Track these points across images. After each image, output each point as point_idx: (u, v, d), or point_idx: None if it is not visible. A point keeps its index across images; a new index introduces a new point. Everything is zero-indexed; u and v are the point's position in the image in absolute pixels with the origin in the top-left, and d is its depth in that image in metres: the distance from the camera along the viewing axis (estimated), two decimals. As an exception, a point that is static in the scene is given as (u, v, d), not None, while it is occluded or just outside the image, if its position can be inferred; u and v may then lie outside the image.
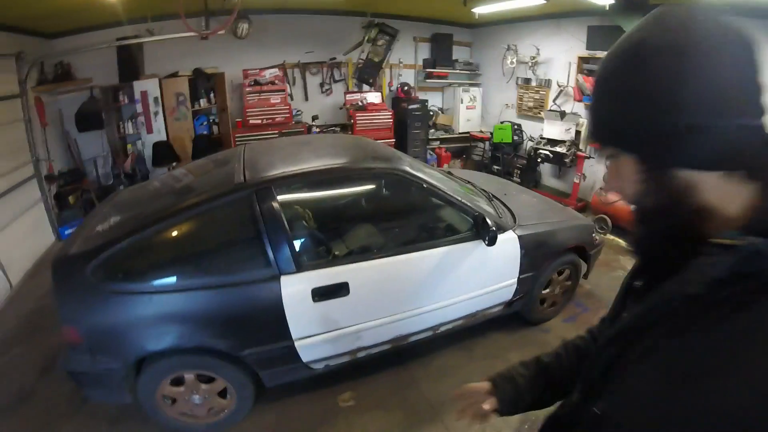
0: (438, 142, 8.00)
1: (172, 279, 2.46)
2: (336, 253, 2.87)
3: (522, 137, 7.26)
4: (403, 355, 3.37)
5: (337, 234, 3.12)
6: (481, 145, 7.97)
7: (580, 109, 6.31)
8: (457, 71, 8.24)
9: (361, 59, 7.30)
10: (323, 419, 2.90)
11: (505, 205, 3.66)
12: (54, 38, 6.00)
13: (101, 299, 2.36)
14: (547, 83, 6.83)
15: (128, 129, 6.65)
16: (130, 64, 6.44)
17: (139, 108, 6.44)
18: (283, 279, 2.53)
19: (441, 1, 6.50)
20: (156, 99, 6.46)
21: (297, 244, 2.65)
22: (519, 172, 7.11)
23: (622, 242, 5.44)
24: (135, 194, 3.29)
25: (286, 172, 2.75)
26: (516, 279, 3.32)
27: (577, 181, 6.24)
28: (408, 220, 3.29)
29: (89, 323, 2.38)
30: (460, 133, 8.11)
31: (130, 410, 2.79)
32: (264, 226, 2.54)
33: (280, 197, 2.62)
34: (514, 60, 7.16)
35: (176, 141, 6.64)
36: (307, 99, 7.63)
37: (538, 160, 6.65)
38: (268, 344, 2.61)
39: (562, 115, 6.35)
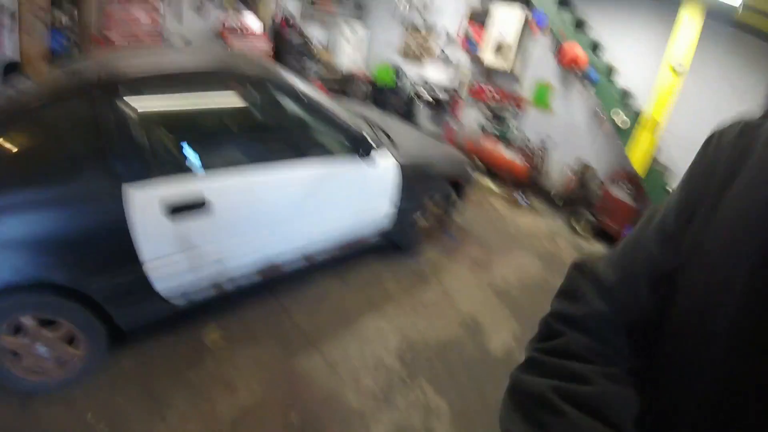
0: (318, 79, 7.63)
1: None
2: (194, 163, 2.49)
3: (403, 80, 7.31)
4: (273, 287, 3.19)
5: (197, 144, 2.65)
6: (363, 86, 7.82)
7: (465, 58, 6.53)
8: (343, 7, 7.91)
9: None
10: (190, 361, 2.58)
11: (386, 133, 3.58)
12: None
13: None
14: (434, 29, 6.90)
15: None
16: None
17: None
18: (127, 187, 2.12)
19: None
20: (14, 15, 5.08)
21: (146, 150, 2.22)
22: (398, 113, 7.16)
23: (492, 185, 5.86)
24: None
25: (136, 70, 2.33)
26: (396, 208, 3.32)
27: (453, 126, 6.49)
28: (280, 133, 2.96)
29: None
30: (342, 72, 7.84)
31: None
32: (106, 128, 2.11)
33: (129, 99, 2.21)
34: (406, 2, 7.12)
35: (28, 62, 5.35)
36: (182, 21, 6.63)
37: (416, 103, 6.75)
38: (114, 270, 2.21)
39: (447, 61, 6.55)
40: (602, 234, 4.96)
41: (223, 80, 2.67)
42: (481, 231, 4.64)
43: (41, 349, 2.18)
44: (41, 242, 1.99)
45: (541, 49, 5.61)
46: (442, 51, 6.71)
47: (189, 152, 2.56)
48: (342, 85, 7.84)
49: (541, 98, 5.67)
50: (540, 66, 5.63)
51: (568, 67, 5.05)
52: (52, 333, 2.19)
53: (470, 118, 6.53)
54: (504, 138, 5.89)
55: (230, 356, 2.65)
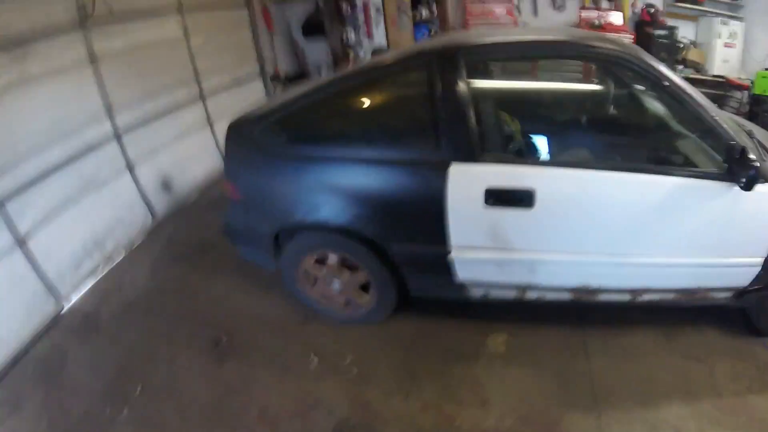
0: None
1: (333, 148, 2.31)
2: (528, 151, 2.30)
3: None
4: (583, 315, 2.71)
5: (535, 130, 2.48)
6: (738, 94, 6.15)
7: None
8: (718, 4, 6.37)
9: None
10: (463, 355, 2.47)
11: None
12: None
13: (262, 160, 2.34)
14: None
15: (351, 38, 6.80)
16: None
17: (361, 18, 6.57)
18: (453, 167, 2.07)
19: None
20: (378, 9, 6.48)
21: (479, 128, 2.11)
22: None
23: None
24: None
25: (476, 41, 2.25)
26: (763, 257, 2.27)
27: None
28: (635, 133, 2.46)
29: (248, 182, 2.42)
30: (713, 76, 6.34)
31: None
32: (440, 100, 2.09)
33: (469, 71, 2.13)
34: None
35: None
36: (536, 14, 6.75)
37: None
38: (420, 244, 2.26)
39: None
40: None
41: (573, 55, 2.33)
42: None
43: (336, 284, 2.47)
44: (363, 196, 2.21)
45: None
46: None
47: (525, 139, 2.40)
48: (712, 93, 6.42)
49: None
50: None
51: None
52: (350, 275, 2.43)
53: None
54: None
55: (503, 370, 2.41)
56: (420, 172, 2.13)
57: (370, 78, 2.40)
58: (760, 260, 2.31)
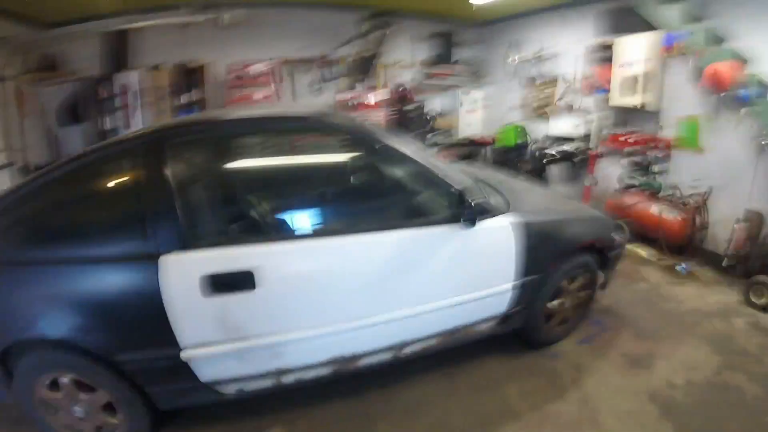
0: (437, 147, 7.28)
1: (37, 249, 1.97)
2: (242, 228, 2.17)
3: (527, 140, 6.60)
4: (359, 381, 2.56)
5: (258, 204, 2.39)
6: (482, 150, 7.27)
7: (591, 103, 5.61)
8: (458, 72, 7.62)
9: (353, 55, 6.70)
10: None
11: (497, 190, 2.86)
12: (43, 28, 5.59)
13: None
14: (554, 80, 6.21)
15: (107, 124, 6.06)
16: (114, 55, 6.05)
17: (119, 102, 5.96)
18: (163, 259, 1.87)
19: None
20: (135, 93, 5.95)
21: (187, 213, 1.95)
22: (525, 175, 6.36)
23: (642, 252, 4.57)
24: None
25: (184, 121, 2.20)
26: (512, 283, 2.50)
27: (588, 184, 5.44)
28: (368, 195, 2.56)
29: None
30: (461, 138, 7.39)
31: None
32: (144, 188, 1.96)
33: (178, 153, 2.04)
34: (516, 57, 6.59)
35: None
36: (295, 98, 7.04)
37: (544, 161, 5.89)
38: (148, 349, 1.96)
39: (570, 108, 5.74)
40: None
41: (278, 129, 2.41)
42: (633, 313, 3.43)
43: (77, 410, 2.07)
44: (75, 302, 1.90)
45: (677, 77, 4.49)
46: (562, 99, 5.94)
47: (244, 217, 2.26)
48: (462, 150, 7.43)
49: (689, 136, 4.45)
50: (679, 98, 4.49)
51: (713, 89, 3.90)
52: (89, 396, 2.05)
53: (608, 171, 5.45)
54: (650, 190, 4.68)
55: None
56: (131, 268, 1.89)
57: (76, 167, 2.13)
58: (510, 285, 2.51)
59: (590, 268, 2.90)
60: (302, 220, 2.39)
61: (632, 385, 2.64)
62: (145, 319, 1.90)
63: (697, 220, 4.26)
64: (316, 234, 2.15)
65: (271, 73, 6.58)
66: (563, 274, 2.75)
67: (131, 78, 5.91)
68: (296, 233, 2.19)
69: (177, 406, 2.18)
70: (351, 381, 2.56)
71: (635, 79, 4.68)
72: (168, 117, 6.08)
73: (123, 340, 1.94)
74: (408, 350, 2.42)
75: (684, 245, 4.32)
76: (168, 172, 1.95)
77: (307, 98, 7.04)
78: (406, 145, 2.40)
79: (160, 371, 2.00)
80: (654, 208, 4.46)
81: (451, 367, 2.76)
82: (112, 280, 1.91)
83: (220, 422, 2.37)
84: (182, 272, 1.88)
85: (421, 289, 2.27)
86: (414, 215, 2.36)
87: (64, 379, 2.01)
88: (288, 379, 2.20)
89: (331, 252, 2.09)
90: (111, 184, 2.12)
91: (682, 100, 4.47)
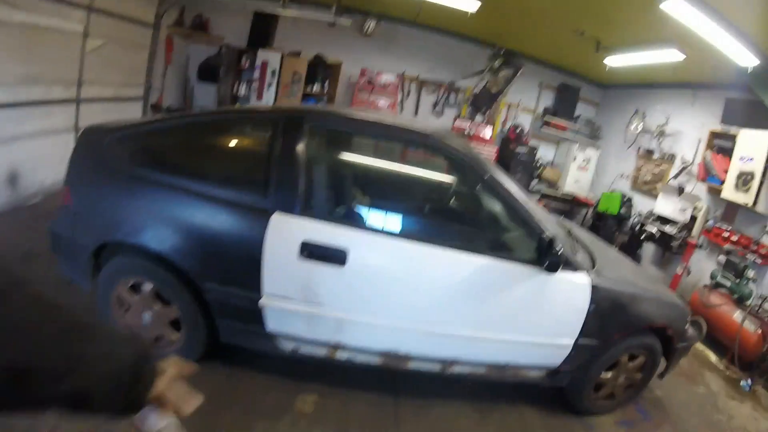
0: (539, 195, 7.22)
1: (168, 175, 2.27)
2: (347, 213, 2.44)
3: (630, 212, 6.31)
4: (399, 384, 2.68)
5: (364, 197, 2.69)
6: (583, 210, 7.08)
7: (702, 190, 5.27)
8: (577, 128, 7.53)
9: (479, 87, 6.90)
10: (269, 410, 2.35)
11: (586, 249, 2.85)
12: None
13: (101, 170, 2.30)
14: (671, 158, 5.91)
15: (241, 91, 6.86)
16: (261, 33, 6.80)
17: (256, 75, 6.69)
18: (275, 216, 2.13)
19: (573, 47, 5.88)
20: (274, 71, 6.66)
21: (306, 185, 2.22)
22: (618, 248, 6.07)
23: (711, 355, 4.20)
24: None
25: (325, 110, 2.51)
26: (573, 340, 2.46)
27: (679, 272, 5.09)
28: (462, 217, 2.75)
29: (82, 189, 2.34)
30: (564, 193, 7.26)
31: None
32: (276, 154, 2.22)
33: (313, 135, 2.32)
34: (640, 126, 6.36)
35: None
36: (417, 114, 7.40)
37: (642, 237, 5.62)
38: (233, 286, 2.21)
39: (680, 191, 5.40)
40: None
41: (401, 139, 2.63)
42: (680, 414, 3.18)
43: (147, 316, 2.32)
44: (187, 228, 2.19)
45: None
46: (675, 179, 5.61)
47: (352, 204, 2.56)
48: (562, 205, 7.29)
49: None
50: None
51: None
52: (162, 308, 2.31)
53: (702, 265, 5.08)
54: (737, 296, 4.26)
55: (307, 430, 2.28)
56: (244, 216, 2.16)
57: (222, 120, 2.54)
58: (571, 342, 2.48)
59: (654, 351, 2.76)
60: (398, 220, 2.62)
61: None
62: (242, 261, 2.15)
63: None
64: (407, 236, 2.29)
65: (399, 86, 6.94)
66: (625, 349, 2.65)
67: (273, 57, 6.61)
68: (390, 230, 2.35)
69: (235, 343, 2.41)
70: (392, 381, 2.69)
71: (751, 175, 4.36)
72: (296, 100, 6.70)
73: (216, 271, 2.20)
74: (456, 369, 2.49)
75: (756, 362, 3.90)
76: (300, 147, 2.22)
77: (428, 117, 7.37)
78: (510, 184, 2.51)
79: (235, 308, 2.25)
80: (736, 315, 4.09)
81: (488, 402, 2.77)
82: (226, 221, 2.18)
83: (264, 373, 2.56)
84: (287, 232, 2.13)
85: (486, 317, 2.35)
86: (500, 248, 2.45)
87: (147, 287, 2.28)
88: (341, 355, 2.37)
89: (416, 256, 2.24)
90: (249, 142, 2.47)
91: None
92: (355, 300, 2.24)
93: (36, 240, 2.80)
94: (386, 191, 2.92)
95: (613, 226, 6.36)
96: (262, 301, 2.20)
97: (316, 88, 6.88)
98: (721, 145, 5.06)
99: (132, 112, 5.65)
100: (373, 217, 2.67)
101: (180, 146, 2.44)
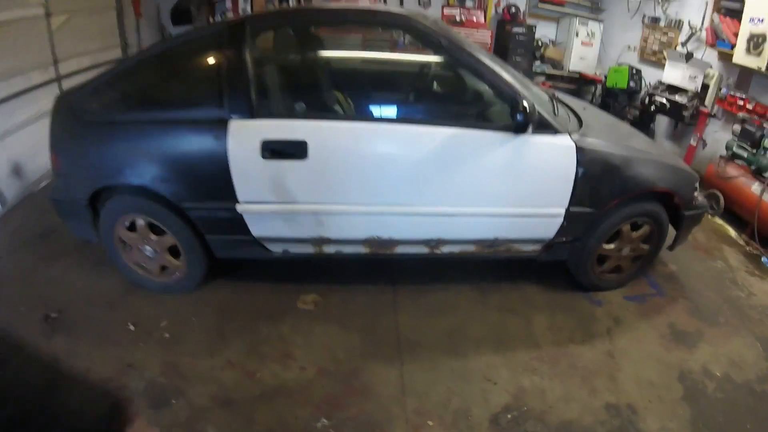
0: (543, 77, 6.83)
1: (133, 112, 2.35)
2: (302, 106, 2.37)
3: (640, 85, 5.91)
4: (396, 275, 2.75)
5: (323, 89, 2.60)
6: (592, 88, 6.70)
7: (713, 57, 4.82)
8: (576, 1, 6.89)
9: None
10: (273, 313, 2.49)
11: (573, 111, 2.69)
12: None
13: (76, 126, 2.36)
14: (678, 24, 5.38)
15: (217, 24, 6.52)
16: None
17: (228, 4, 6.33)
18: (232, 123, 2.14)
19: None
20: None
21: (258, 87, 2.21)
22: (629, 124, 5.80)
23: (730, 230, 4.02)
24: None
25: (268, 11, 2.36)
26: (563, 209, 2.39)
27: (693, 143, 4.83)
28: (418, 90, 2.65)
29: (66, 150, 2.41)
30: (569, 72, 6.82)
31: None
32: (224, 64, 2.22)
33: (256, 37, 2.32)
34: None
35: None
36: (402, 5, 6.82)
37: (652, 108, 5.30)
38: (211, 201, 2.28)
39: (688, 57, 4.94)
40: None
41: (357, 21, 2.64)
42: (697, 288, 3.07)
43: (147, 250, 2.48)
44: (159, 157, 2.24)
45: None
46: (683, 46, 5.14)
47: (305, 94, 2.47)
48: (569, 85, 6.91)
49: None
50: None
51: None
52: (158, 238, 2.44)
53: (718, 136, 4.78)
54: (755, 167, 3.98)
55: (309, 327, 2.42)
56: (206, 130, 2.17)
57: (171, 47, 2.57)
58: (561, 211, 2.42)
59: (659, 219, 2.64)
60: (359, 105, 2.56)
61: (666, 358, 2.43)
62: (212, 174, 2.19)
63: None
64: (366, 118, 2.34)
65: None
66: (625, 217, 2.55)
67: None
68: (349, 115, 2.38)
69: (230, 256, 2.52)
70: (389, 272, 2.76)
71: (763, 37, 3.91)
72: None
73: (192, 190, 2.26)
74: (445, 249, 2.50)
75: None
76: (246, 51, 2.20)
77: (414, 9, 6.85)
78: (479, 51, 2.35)
79: (219, 221, 2.33)
80: (755, 187, 3.84)
81: (488, 283, 2.80)
82: (190, 140, 2.22)
83: (265, 282, 2.70)
84: (246, 136, 2.13)
85: (462, 190, 2.30)
86: (474, 118, 2.37)
87: (141, 221, 2.39)
88: (329, 249, 2.44)
89: (378, 137, 2.23)
90: (199, 61, 2.44)
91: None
92: (324, 190, 2.26)
93: (50, 218, 2.97)
94: (346, 79, 2.83)
95: (624, 101, 6.02)
96: (240, 208, 2.26)
97: (292, 3, 6.41)
98: (729, 7, 4.55)
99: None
100: (331, 105, 2.62)
101: (139, 83, 2.45)
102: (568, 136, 2.29)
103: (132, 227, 2.43)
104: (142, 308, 2.50)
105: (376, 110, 2.67)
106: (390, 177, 2.24)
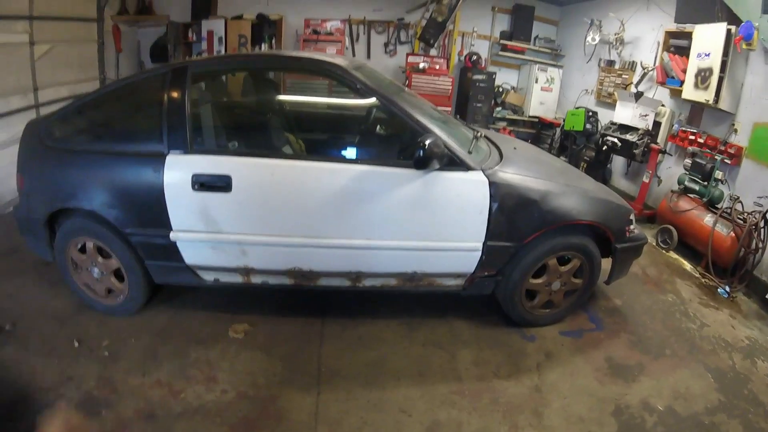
0: (504, 123, 7.08)
1: (86, 142, 2.63)
2: (231, 144, 2.64)
3: (596, 127, 6.15)
4: (327, 308, 2.86)
5: (253, 128, 2.96)
6: (551, 132, 6.97)
7: (665, 95, 5.09)
8: (536, 48, 7.30)
9: (425, 18, 6.67)
10: (205, 339, 2.63)
11: (498, 148, 2.84)
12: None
13: (39, 152, 2.60)
14: (632, 65, 5.73)
15: (193, 63, 6.78)
16: (203, 4, 6.77)
17: (204, 45, 6.64)
18: (169, 157, 2.38)
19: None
20: (220, 39, 6.58)
21: (193, 125, 2.44)
22: (586, 165, 5.99)
23: (685, 264, 4.10)
24: None
25: (208, 57, 2.61)
26: (481, 242, 2.47)
27: (646, 180, 5.00)
28: (333, 128, 3.04)
29: (30, 172, 2.64)
30: (529, 117, 7.13)
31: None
32: (167, 101, 2.46)
33: (196, 80, 2.63)
34: (597, 36, 6.14)
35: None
36: (369, 57, 7.27)
37: (605, 148, 5.50)
38: (149, 227, 2.47)
39: (638, 96, 5.20)
40: None
41: (281, 67, 3.03)
42: (642, 322, 3.06)
43: (95, 271, 2.66)
44: (106, 184, 2.45)
45: (758, 76, 3.86)
46: (636, 86, 5.43)
47: (237, 132, 2.75)
48: (530, 131, 7.19)
49: (762, 146, 3.78)
50: (760, 101, 3.86)
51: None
52: (104, 261, 2.61)
53: (673, 171, 4.97)
54: (707, 199, 4.13)
55: (236, 354, 2.52)
56: (147, 162, 2.39)
57: (126, 85, 2.85)
58: (478, 245, 2.49)
59: (588, 253, 2.66)
60: (279, 143, 2.84)
61: (601, 392, 2.39)
62: (150, 203, 2.39)
63: (752, 241, 3.61)
64: (286, 156, 2.56)
65: (347, 31, 6.80)
66: (548, 251, 2.58)
67: (217, 25, 6.57)
68: (270, 153, 2.61)
69: (167, 281, 2.68)
70: (319, 304, 2.87)
71: (710, 71, 4.15)
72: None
73: (134, 217, 2.45)
74: (367, 282, 2.61)
75: (733, 267, 3.68)
76: (185, 93, 2.45)
77: (381, 59, 7.26)
78: (399, 96, 2.57)
79: (156, 247, 2.50)
80: (707, 219, 3.96)
81: (415, 318, 2.85)
82: (133, 170, 2.42)
83: (203, 309, 2.86)
84: (180, 169, 2.35)
85: (376, 224, 2.42)
86: (384, 156, 2.58)
87: (90, 244, 2.58)
88: (256, 279, 2.59)
89: (295, 173, 2.39)
90: (145, 99, 2.69)
91: (763, 105, 3.85)
92: (247, 221, 2.43)
93: (15, 238, 3.14)
94: (273, 120, 3.12)
95: (582, 142, 6.26)
96: (173, 236, 2.43)
97: (264, 47, 6.75)
98: (678, 45, 4.85)
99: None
100: (256, 143, 2.90)
101: (95, 116, 2.72)
102: (481, 172, 2.40)
103: (83, 249, 2.62)
104: (88, 327, 2.65)
105: (297, 148, 2.91)
106: (307, 210, 2.39)
